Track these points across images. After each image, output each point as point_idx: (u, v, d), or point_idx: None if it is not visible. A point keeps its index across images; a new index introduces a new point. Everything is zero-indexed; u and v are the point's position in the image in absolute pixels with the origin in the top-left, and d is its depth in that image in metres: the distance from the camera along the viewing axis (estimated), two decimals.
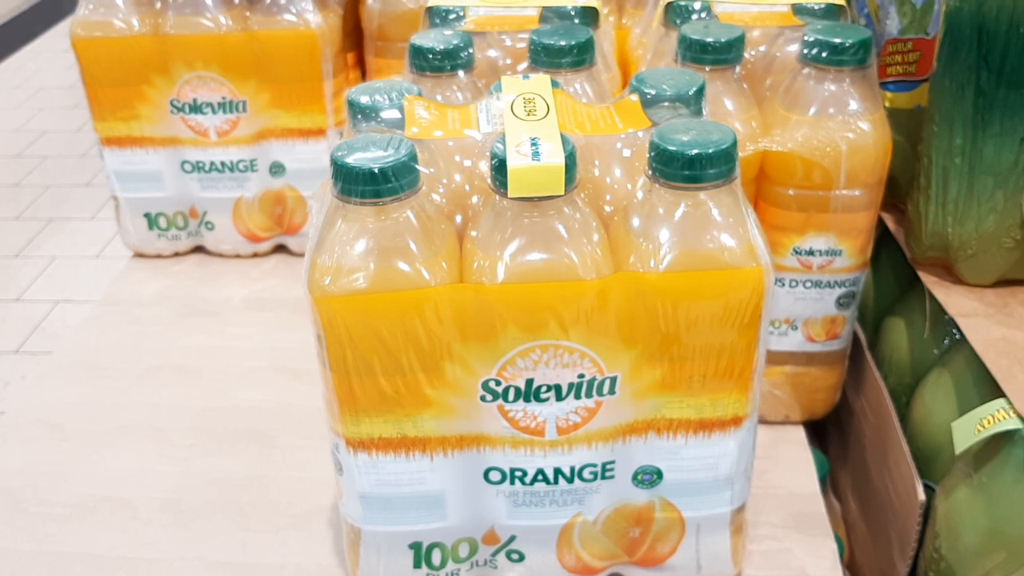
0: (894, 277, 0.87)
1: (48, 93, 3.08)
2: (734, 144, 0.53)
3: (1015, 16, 0.66)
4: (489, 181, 0.53)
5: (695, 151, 0.52)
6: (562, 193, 0.52)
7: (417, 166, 0.53)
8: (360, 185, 0.51)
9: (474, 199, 0.58)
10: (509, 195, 0.51)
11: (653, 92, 0.60)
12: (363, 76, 1.05)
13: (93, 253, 2.22)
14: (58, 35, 3.56)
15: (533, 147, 0.52)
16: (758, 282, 0.53)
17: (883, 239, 0.84)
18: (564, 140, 0.53)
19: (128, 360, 0.91)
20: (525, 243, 0.52)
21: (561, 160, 0.51)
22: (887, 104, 0.79)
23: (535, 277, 0.52)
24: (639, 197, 0.55)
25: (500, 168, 0.51)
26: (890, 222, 0.84)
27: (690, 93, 0.60)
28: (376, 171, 0.51)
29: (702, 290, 0.54)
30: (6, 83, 3.18)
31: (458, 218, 0.57)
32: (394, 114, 0.59)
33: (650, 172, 0.54)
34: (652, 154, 0.53)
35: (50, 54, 3.40)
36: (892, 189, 0.76)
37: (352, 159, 0.51)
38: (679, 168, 0.52)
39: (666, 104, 0.60)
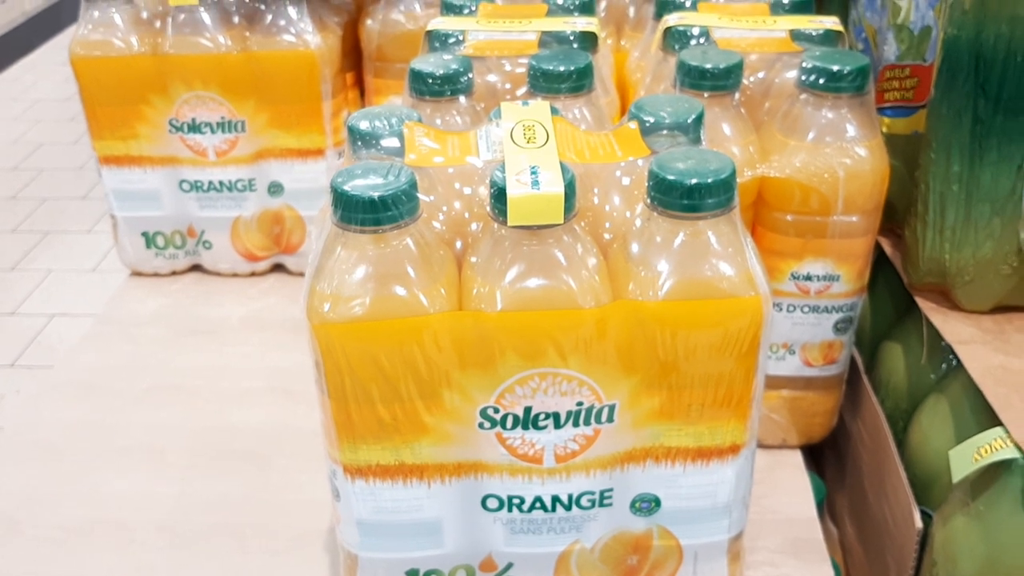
0: (891, 302, 0.87)
1: (45, 105, 3.08)
2: (733, 174, 0.53)
3: (1012, 44, 0.67)
4: (488, 209, 0.53)
5: (694, 180, 0.52)
6: (561, 222, 0.52)
7: (417, 194, 0.53)
8: (360, 213, 0.51)
9: (473, 226, 0.58)
10: (508, 223, 0.51)
11: (652, 120, 0.60)
12: (362, 96, 1.06)
13: (89, 267, 2.22)
14: (55, 48, 3.57)
15: (533, 175, 0.52)
16: (757, 311, 0.54)
17: (880, 264, 0.84)
18: (564, 168, 0.53)
19: (125, 379, 0.91)
20: (524, 271, 0.52)
21: (561, 189, 0.51)
22: (884, 130, 0.79)
23: (534, 305, 0.52)
24: (638, 225, 0.55)
25: (500, 196, 0.51)
26: (887, 247, 0.84)
27: (689, 121, 0.60)
28: (376, 199, 0.51)
29: (701, 319, 0.54)
30: (3, 95, 3.17)
31: (457, 244, 0.58)
32: (394, 141, 0.59)
33: (649, 201, 0.54)
34: (651, 183, 0.53)
35: (47, 67, 3.41)
36: (889, 214, 0.77)
37: (352, 187, 0.52)
38: (678, 197, 0.52)
39: (665, 132, 0.60)
